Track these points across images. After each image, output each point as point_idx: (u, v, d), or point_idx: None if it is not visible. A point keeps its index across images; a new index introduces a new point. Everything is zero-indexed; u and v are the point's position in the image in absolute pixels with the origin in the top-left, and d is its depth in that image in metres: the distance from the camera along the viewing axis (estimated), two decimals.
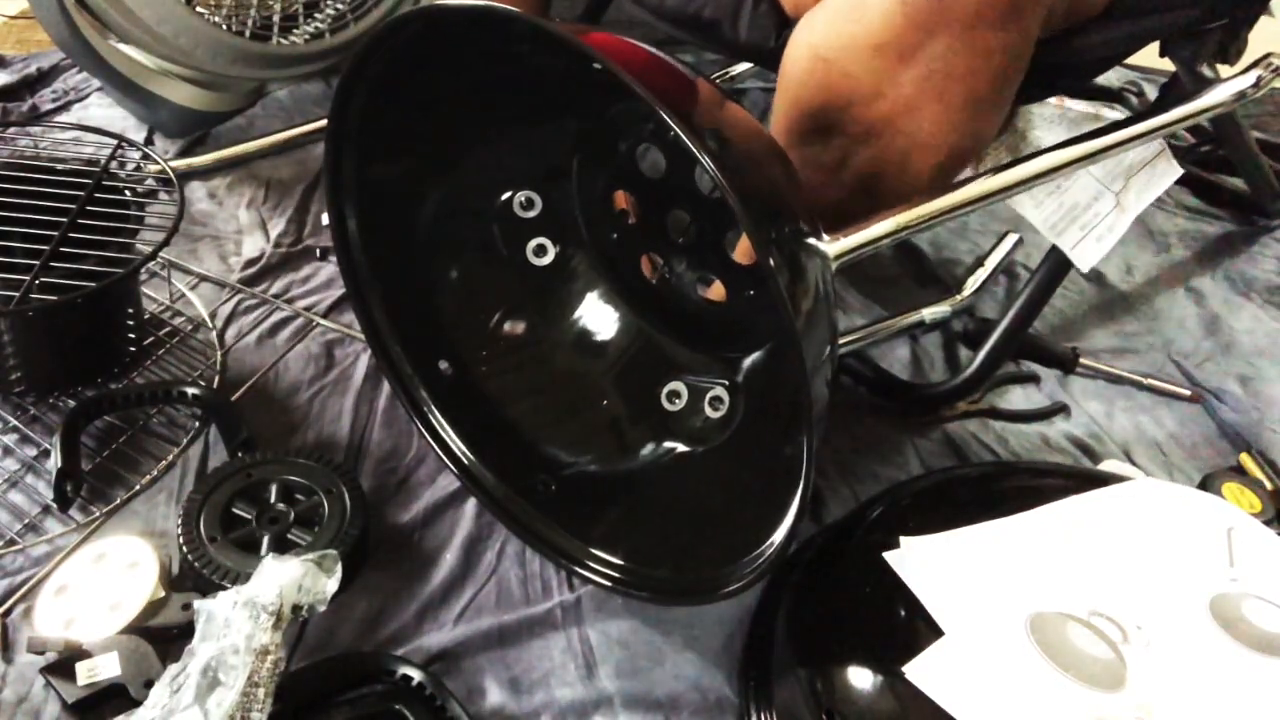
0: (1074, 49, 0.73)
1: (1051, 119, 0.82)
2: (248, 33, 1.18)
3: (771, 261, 0.53)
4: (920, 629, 0.63)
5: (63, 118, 1.29)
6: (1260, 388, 1.03)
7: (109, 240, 0.83)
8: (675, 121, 0.53)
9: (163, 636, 0.69)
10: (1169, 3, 0.75)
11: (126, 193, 0.91)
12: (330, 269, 1.08)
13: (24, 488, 0.82)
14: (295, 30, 1.24)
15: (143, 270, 0.94)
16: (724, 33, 0.88)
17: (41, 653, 0.68)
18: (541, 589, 0.78)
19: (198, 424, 0.88)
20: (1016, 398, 1.00)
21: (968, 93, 0.69)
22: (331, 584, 0.66)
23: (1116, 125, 0.77)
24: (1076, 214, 0.81)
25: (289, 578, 0.64)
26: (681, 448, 0.79)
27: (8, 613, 0.73)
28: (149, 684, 0.63)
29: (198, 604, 0.65)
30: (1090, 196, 0.80)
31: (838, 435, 0.92)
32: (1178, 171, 0.82)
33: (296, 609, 0.65)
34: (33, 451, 0.84)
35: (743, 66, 1.47)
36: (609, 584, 0.74)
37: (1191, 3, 0.75)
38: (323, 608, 0.66)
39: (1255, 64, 0.80)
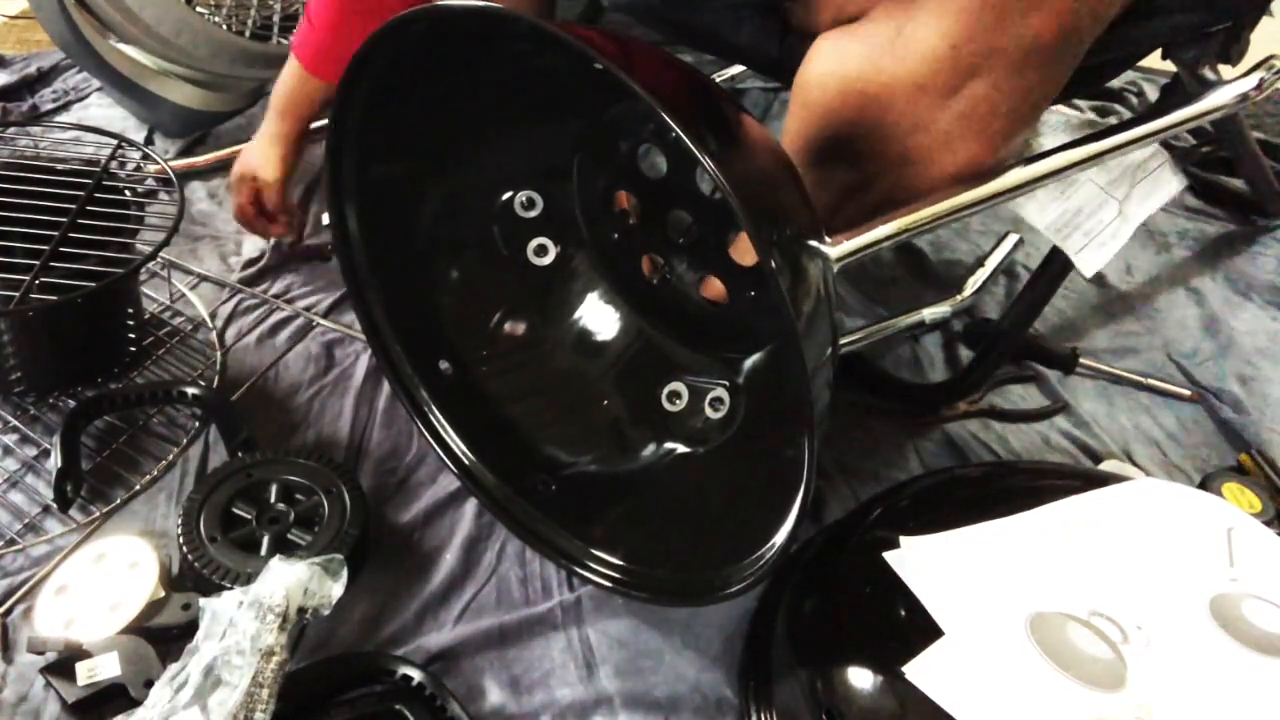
0: (1093, 54, 0.73)
1: (1055, 125, 0.82)
2: (248, 33, 1.18)
3: (773, 263, 0.53)
4: (920, 629, 0.63)
5: (63, 118, 1.29)
6: (1260, 388, 1.03)
7: (109, 240, 0.83)
8: (675, 122, 0.53)
9: (163, 636, 0.69)
10: (1182, 4, 0.75)
11: (126, 193, 0.91)
12: (331, 269, 1.08)
13: (24, 488, 0.82)
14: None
15: (143, 270, 0.94)
16: (725, 40, 0.88)
17: (41, 653, 0.68)
18: (541, 589, 0.78)
19: (198, 424, 0.88)
20: (1016, 398, 1.00)
21: (1006, 126, 0.69)
22: (337, 588, 0.66)
23: (1119, 127, 0.77)
24: (1080, 221, 0.81)
25: (295, 580, 0.65)
26: (682, 448, 0.79)
27: (8, 613, 0.73)
28: (149, 684, 0.63)
29: (202, 602, 0.65)
30: (1095, 204, 0.80)
31: (838, 436, 0.92)
32: (1181, 183, 0.82)
33: (302, 611, 0.65)
34: (33, 451, 0.84)
35: (742, 67, 1.47)
36: (609, 584, 0.74)
37: (1201, 4, 0.75)
38: (327, 612, 0.66)
39: (1257, 66, 0.80)
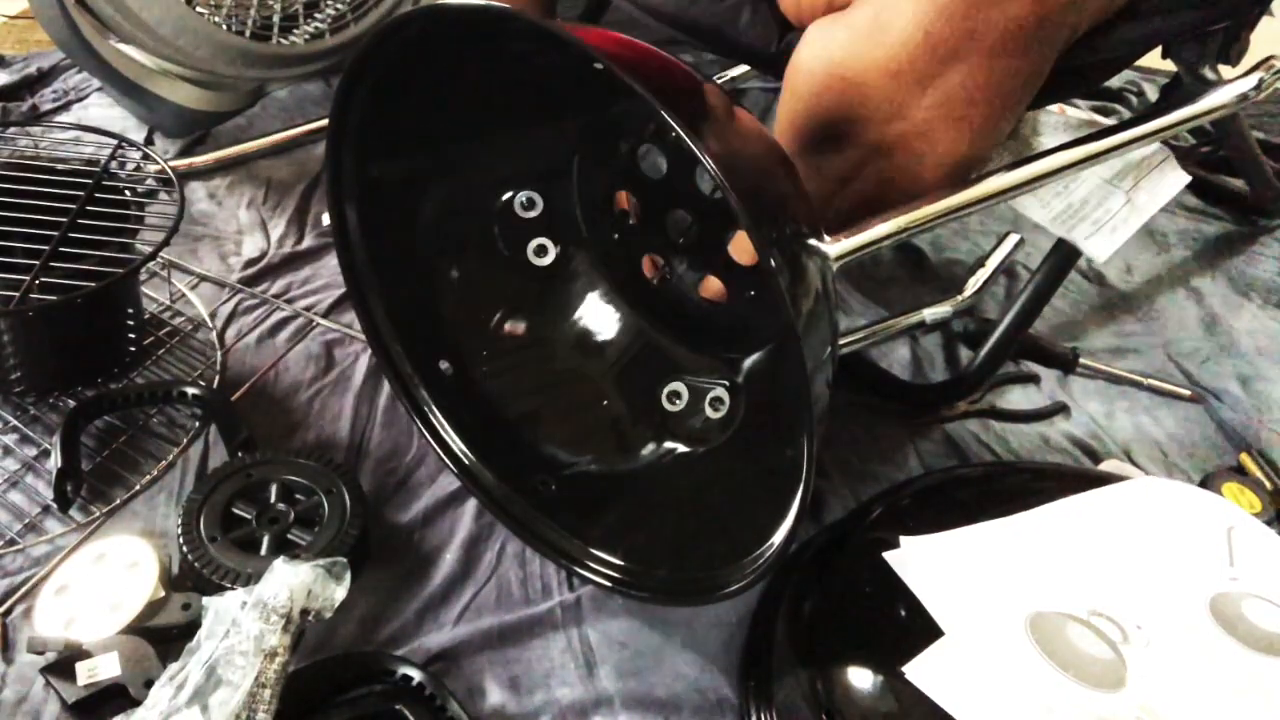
0: (1090, 52, 0.73)
1: (1055, 125, 0.82)
2: (248, 33, 1.18)
3: (772, 262, 0.53)
4: (920, 629, 0.63)
5: (63, 118, 1.29)
6: (1260, 388, 1.03)
7: (109, 240, 0.83)
8: (676, 121, 0.53)
9: (163, 636, 0.69)
10: (1180, 3, 0.75)
11: (126, 193, 0.91)
12: (331, 269, 1.08)
13: (24, 488, 0.82)
14: (295, 30, 1.23)
15: (143, 270, 0.94)
16: (724, 37, 0.88)
17: (41, 653, 0.67)
18: (541, 589, 0.78)
19: (198, 424, 0.88)
20: (1016, 398, 1.00)
21: (984, 116, 0.69)
22: (340, 591, 0.66)
23: (1119, 127, 0.77)
24: (1086, 211, 0.81)
25: (299, 581, 0.65)
26: (682, 448, 0.79)
27: (8, 613, 0.73)
28: (149, 684, 0.63)
29: (205, 601, 0.65)
30: (1100, 196, 0.80)
31: (838, 435, 0.92)
32: (1184, 178, 0.82)
33: (305, 613, 0.65)
34: (33, 451, 0.84)
35: (744, 67, 1.47)
36: (609, 584, 0.74)
37: (1200, 3, 0.75)
38: (329, 615, 0.66)
39: (1257, 66, 0.80)
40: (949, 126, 0.69)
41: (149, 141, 1.25)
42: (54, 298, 0.78)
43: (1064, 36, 0.69)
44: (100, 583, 0.72)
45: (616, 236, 0.83)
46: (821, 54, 0.71)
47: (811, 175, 0.74)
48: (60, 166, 0.91)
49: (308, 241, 1.12)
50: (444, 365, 0.83)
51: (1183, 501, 0.73)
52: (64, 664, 0.66)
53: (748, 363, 0.78)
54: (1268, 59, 0.80)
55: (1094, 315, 1.13)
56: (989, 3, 0.64)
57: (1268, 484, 0.89)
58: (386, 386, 0.91)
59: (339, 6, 1.25)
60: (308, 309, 1.02)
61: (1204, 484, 0.88)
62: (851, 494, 0.87)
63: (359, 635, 0.73)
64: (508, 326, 0.85)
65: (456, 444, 0.82)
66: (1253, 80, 0.79)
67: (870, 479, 0.89)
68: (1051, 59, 0.69)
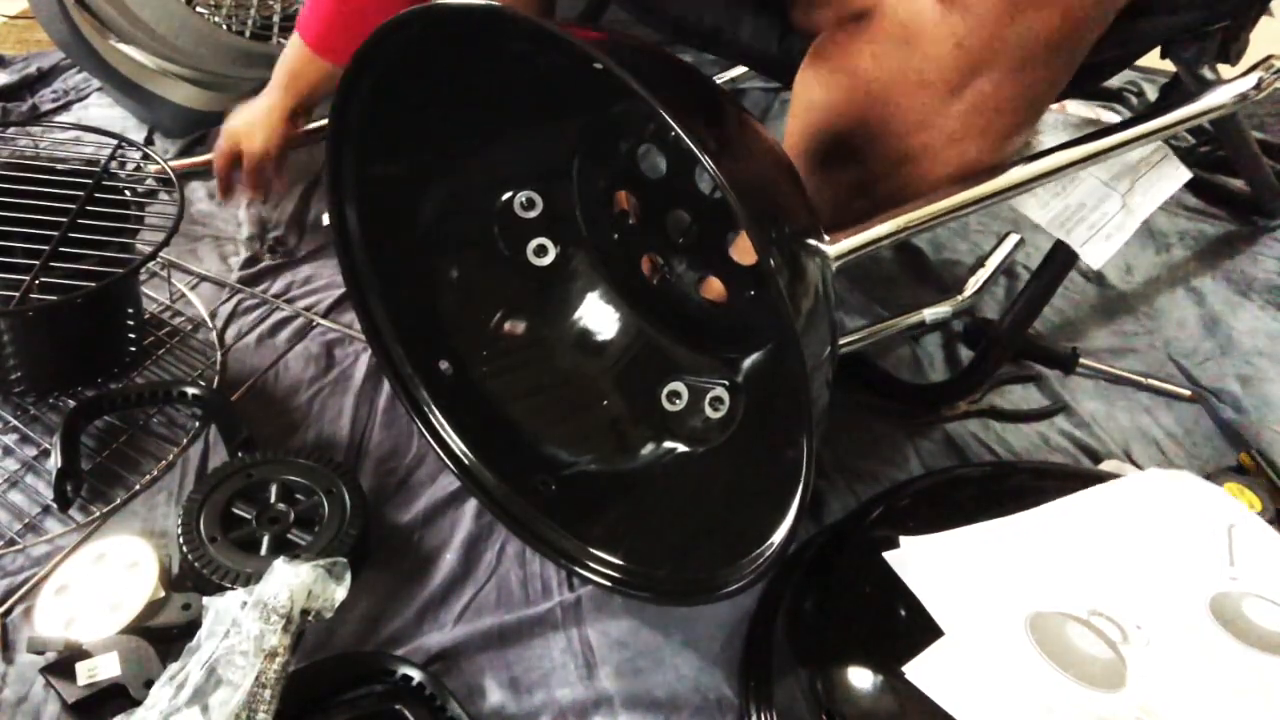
0: (1093, 52, 0.73)
1: (1054, 123, 0.82)
2: (248, 33, 1.19)
3: (772, 261, 0.53)
4: (920, 629, 0.63)
5: (63, 118, 1.29)
6: (1260, 388, 1.03)
7: (109, 240, 0.83)
8: (675, 121, 0.53)
9: (163, 636, 0.69)
10: (1181, 2, 0.75)
11: (126, 193, 0.91)
12: (331, 269, 1.08)
13: (24, 488, 0.82)
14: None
15: (143, 270, 0.94)
16: (725, 39, 0.88)
17: (41, 653, 0.68)
18: (541, 589, 0.78)
19: (198, 424, 0.88)
20: (1016, 398, 1.00)
21: (1009, 124, 0.69)
22: (340, 591, 0.66)
23: (1119, 126, 0.77)
24: (1084, 214, 0.81)
25: (299, 581, 0.65)
26: (682, 448, 0.79)
27: (8, 613, 0.73)
28: (149, 684, 0.63)
29: (206, 601, 0.65)
30: (1097, 198, 0.80)
31: (838, 435, 0.92)
32: (1185, 175, 0.82)
33: (305, 613, 0.65)
34: (33, 451, 0.84)
35: (744, 67, 1.47)
36: (609, 584, 0.74)
37: (1200, 3, 0.75)
38: (329, 615, 0.66)
39: (1256, 65, 0.80)
40: (976, 135, 0.69)
41: (149, 141, 1.25)
42: (54, 298, 0.78)
43: (1088, 46, 0.69)
44: (100, 583, 0.72)
45: (616, 236, 0.83)
46: (842, 66, 0.71)
47: (825, 186, 0.74)
48: (60, 166, 0.91)
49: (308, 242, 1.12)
50: (444, 365, 0.83)
51: (1185, 494, 0.73)
52: (64, 664, 0.66)
53: (747, 362, 0.78)
54: (1267, 58, 0.80)
55: (1094, 315, 1.13)
56: (1018, 16, 0.65)
57: (1267, 484, 0.89)
58: (386, 386, 0.91)
59: None
60: (308, 309, 1.02)
61: None
62: (851, 494, 0.87)
63: (359, 635, 0.73)
64: (507, 326, 0.85)
65: (456, 444, 0.82)
66: (1252, 80, 0.79)
67: (870, 479, 0.89)
68: (1074, 68, 0.70)
